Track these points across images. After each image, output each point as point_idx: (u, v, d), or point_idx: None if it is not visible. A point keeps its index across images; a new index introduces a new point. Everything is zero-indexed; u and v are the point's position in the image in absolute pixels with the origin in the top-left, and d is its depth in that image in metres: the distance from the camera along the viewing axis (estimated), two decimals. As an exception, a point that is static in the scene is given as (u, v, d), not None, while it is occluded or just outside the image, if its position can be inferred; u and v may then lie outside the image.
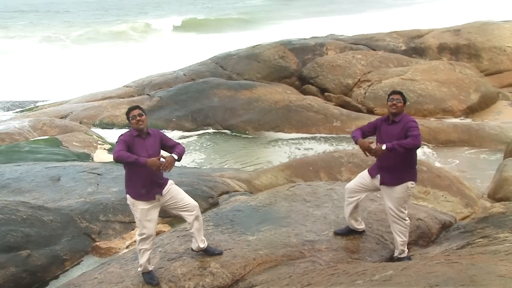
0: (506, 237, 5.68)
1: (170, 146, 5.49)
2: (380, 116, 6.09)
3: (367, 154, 5.56)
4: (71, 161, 11.54)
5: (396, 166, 5.59)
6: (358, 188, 5.91)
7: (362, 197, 5.96)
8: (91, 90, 19.78)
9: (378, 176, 5.74)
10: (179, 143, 5.56)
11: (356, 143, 5.69)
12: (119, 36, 41.66)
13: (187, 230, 5.96)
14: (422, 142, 13.00)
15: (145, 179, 5.28)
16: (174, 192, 5.48)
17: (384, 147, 5.39)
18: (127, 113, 5.38)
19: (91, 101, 18.05)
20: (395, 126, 5.65)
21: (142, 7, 78.59)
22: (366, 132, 5.88)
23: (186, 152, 13.83)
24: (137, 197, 5.32)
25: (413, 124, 5.53)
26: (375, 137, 5.89)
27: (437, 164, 11.57)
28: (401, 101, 5.65)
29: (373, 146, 5.57)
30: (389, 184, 5.66)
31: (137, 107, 5.41)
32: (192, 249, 5.83)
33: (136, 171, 5.28)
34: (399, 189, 5.63)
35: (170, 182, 5.53)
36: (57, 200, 8.36)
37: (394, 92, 5.75)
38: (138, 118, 5.28)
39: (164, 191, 5.42)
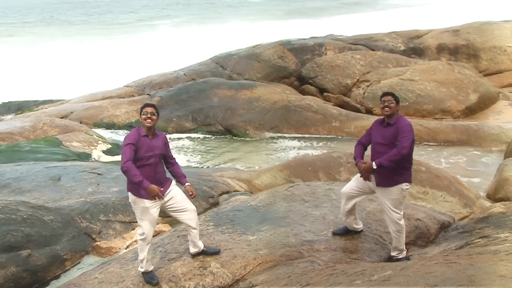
0: (507, 237, 5.68)
1: (169, 157, 5.62)
2: (376, 119, 6.10)
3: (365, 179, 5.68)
4: (71, 161, 11.56)
5: (391, 168, 5.59)
6: (353, 193, 5.91)
7: (358, 201, 5.99)
8: (91, 89, 19.81)
9: (373, 177, 5.76)
10: (175, 160, 5.75)
11: (356, 165, 5.81)
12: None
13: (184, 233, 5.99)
14: (423, 142, 13.24)
15: (149, 177, 5.31)
16: (175, 194, 5.52)
17: (374, 166, 5.47)
18: (142, 107, 5.46)
19: (92, 100, 18.08)
20: (389, 128, 5.63)
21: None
22: (366, 143, 5.93)
23: (186, 152, 13.96)
24: (138, 195, 5.35)
25: (406, 129, 5.52)
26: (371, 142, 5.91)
27: (436, 165, 11.59)
28: (393, 101, 5.62)
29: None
30: (384, 185, 5.67)
31: (154, 106, 5.49)
32: (189, 252, 5.85)
33: (141, 168, 5.31)
34: (395, 191, 5.64)
35: (173, 183, 5.58)
36: (57, 200, 8.38)
37: (385, 94, 5.74)
38: (149, 115, 5.36)
39: (166, 192, 5.45)
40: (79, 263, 7.00)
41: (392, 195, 5.65)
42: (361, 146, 5.90)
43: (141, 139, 5.33)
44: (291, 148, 14.08)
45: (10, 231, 6.70)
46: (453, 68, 17.11)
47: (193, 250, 5.77)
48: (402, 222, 5.78)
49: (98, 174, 9.66)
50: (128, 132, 5.53)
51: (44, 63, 29.35)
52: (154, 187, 5.19)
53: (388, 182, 5.64)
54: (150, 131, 5.40)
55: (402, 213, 5.78)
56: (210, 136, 15.47)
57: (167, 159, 5.64)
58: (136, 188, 5.36)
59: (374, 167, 5.48)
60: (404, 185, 5.66)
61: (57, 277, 6.66)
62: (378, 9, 53.08)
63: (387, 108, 5.62)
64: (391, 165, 5.46)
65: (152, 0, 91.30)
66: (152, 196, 5.23)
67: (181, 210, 5.54)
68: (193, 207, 5.62)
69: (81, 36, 43.34)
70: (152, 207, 5.40)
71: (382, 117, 5.88)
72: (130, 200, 5.50)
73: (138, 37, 41.39)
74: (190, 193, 5.53)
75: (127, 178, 5.44)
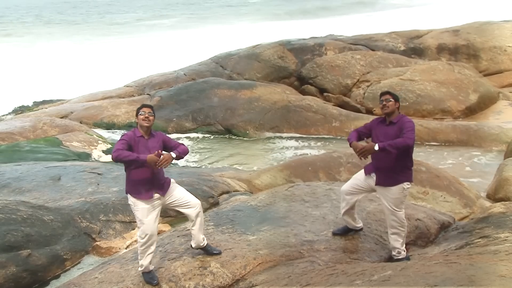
0: (507, 237, 5.68)
1: (173, 146, 5.54)
2: (377, 117, 6.09)
3: (361, 157, 5.52)
4: (71, 160, 11.57)
5: (392, 167, 5.58)
6: (353, 191, 5.91)
7: (358, 199, 5.98)
8: (91, 89, 19.82)
9: (373, 175, 5.74)
10: (182, 144, 5.59)
11: (350, 145, 5.67)
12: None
13: (188, 229, 5.97)
14: (424, 142, 13.25)
15: (145, 179, 5.31)
16: (175, 191, 5.51)
17: (376, 147, 5.37)
18: (139, 108, 5.44)
19: (92, 100, 18.09)
20: (392, 127, 5.63)
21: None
22: (362, 133, 5.88)
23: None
24: (137, 195, 5.34)
25: (409, 125, 5.51)
26: (371, 139, 5.89)
27: (436, 164, 11.59)
28: (391, 99, 5.62)
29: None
30: (385, 184, 5.66)
31: (151, 106, 5.49)
32: (191, 246, 5.84)
33: (135, 170, 5.31)
34: (395, 190, 5.63)
35: (172, 181, 5.57)
36: (57, 199, 8.39)
37: (383, 93, 5.75)
38: (147, 115, 5.35)
39: (166, 191, 5.45)
40: (79, 263, 7.00)
41: (393, 194, 5.65)
42: (357, 132, 5.87)
43: (136, 139, 5.32)
44: (291, 148, 14.08)
45: (10, 231, 6.71)
46: (453, 68, 17.12)
47: (195, 244, 5.77)
48: (403, 221, 5.78)
49: (98, 174, 9.67)
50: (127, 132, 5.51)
51: (44, 63, 29.35)
52: (151, 156, 5.07)
53: (390, 182, 5.63)
54: (146, 132, 5.38)
55: (403, 212, 5.78)
56: (209, 136, 15.47)
57: (170, 150, 5.54)
58: (134, 190, 5.35)
59: (376, 148, 5.35)
60: (406, 184, 5.65)
61: (57, 277, 6.66)
62: (378, 9, 53.10)
63: (386, 107, 5.63)
64: (392, 151, 5.36)
65: (152, 0, 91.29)
66: (153, 165, 5.08)
67: (184, 205, 5.53)
68: (197, 200, 5.59)
69: (80, 36, 43.36)
70: (152, 208, 5.39)
71: (381, 116, 5.88)
72: (130, 202, 5.47)
73: (138, 37, 41.41)
74: (160, 157, 5.13)
75: (126, 179, 5.43)
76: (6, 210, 7.12)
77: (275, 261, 5.78)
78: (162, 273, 5.61)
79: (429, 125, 14.14)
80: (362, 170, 5.93)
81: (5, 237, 6.58)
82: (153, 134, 5.45)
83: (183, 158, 5.55)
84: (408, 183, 5.69)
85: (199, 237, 5.71)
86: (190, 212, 5.54)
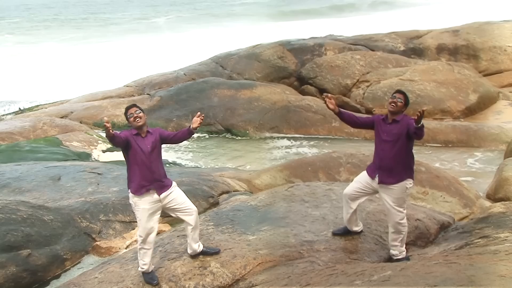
0: (507, 237, 5.69)
1: (171, 137, 5.60)
2: (378, 114, 6.08)
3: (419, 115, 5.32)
4: (71, 160, 11.57)
5: (396, 165, 5.61)
6: (356, 194, 5.88)
7: (360, 202, 5.97)
8: (91, 89, 19.81)
9: (377, 176, 5.75)
10: (179, 131, 5.70)
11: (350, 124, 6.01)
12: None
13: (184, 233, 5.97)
14: (423, 142, 13.19)
15: (145, 176, 5.32)
16: (176, 195, 5.52)
17: (419, 123, 5.32)
18: (125, 112, 5.43)
19: (92, 100, 18.08)
20: (395, 125, 5.64)
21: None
22: (358, 120, 5.97)
23: (186, 151, 13.94)
24: (137, 192, 5.34)
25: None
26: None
27: (436, 165, 11.59)
28: (402, 101, 5.63)
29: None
30: (389, 183, 5.66)
31: (134, 105, 5.46)
32: (188, 252, 5.83)
33: (136, 167, 5.33)
34: (398, 189, 5.64)
35: (174, 184, 5.57)
36: (57, 199, 8.39)
37: (398, 91, 5.74)
38: (136, 115, 5.33)
39: (167, 192, 5.45)
40: (79, 262, 7.01)
41: (396, 194, 5.66)
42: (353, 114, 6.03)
43: (133, 137, 5.33)
44: (291, 148, 14.08)
45: (10, 230, 6.71)
46: (453, 69, 17.11)
47: (191, 251, 5.77)
48: (405, 221, 5.78)
49: (98, 173, 9.67)
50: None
51: (43, 63, 29.32)
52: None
53: (392, 180, 5.64)
54: (142, 130, 5.38)
55: (405, 211, 5.79)
56: (209, 135, 15.47)
57: (171, 140, 5.63)
58: (135, 186, 5.36)
59: (419, 124, 5.32)
60: (408, 183, 5.68)
61: (57, 276, 6.67)
62: (378, 9, 53.09)
63: (393, 105, 5.62)
64: (422, 131, 5.41)
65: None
66: (107, 132, 5.05)
67: (182, 211, 5.54)
68: (194, 207, 5.60)
69: (80, 36, 43.33)
70: (153, 209, 5.41)
71: (382, 114, 5.89)
72: (130, 202, 5.49)
73: (138, 36, 41.35)
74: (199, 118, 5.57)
75: (127, 177, 5.45)
76: (6, 210, 7.12)
77: (275, 261, 5.78)
78: (162, 273, 5.62)
79: (429, 125, 14.12)
80: (364, 172, 5.93)
81: (5, 237, 6.59)
82: (150, 131, 5.45)
83: (177, 140, 5.73)
84: (411, 181, 5.71)
85: (194, 244, 5.72)
86: (187, 219, 5.55)
